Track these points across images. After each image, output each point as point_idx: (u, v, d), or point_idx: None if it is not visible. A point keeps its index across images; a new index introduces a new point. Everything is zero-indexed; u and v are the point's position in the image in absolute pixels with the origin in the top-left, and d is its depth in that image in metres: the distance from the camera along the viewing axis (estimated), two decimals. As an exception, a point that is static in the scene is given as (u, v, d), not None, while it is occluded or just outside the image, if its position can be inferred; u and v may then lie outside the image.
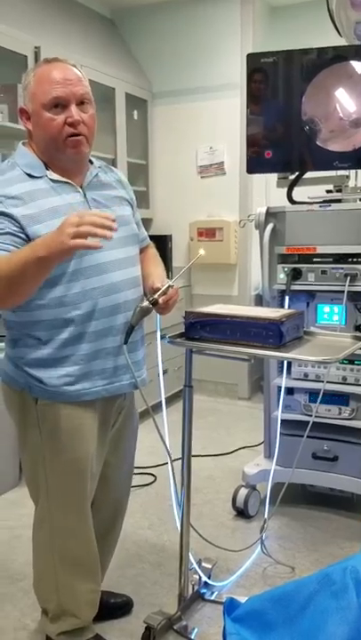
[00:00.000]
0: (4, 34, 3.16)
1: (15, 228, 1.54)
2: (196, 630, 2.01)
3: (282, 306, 2.61)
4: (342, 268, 2.54)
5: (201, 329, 1.81)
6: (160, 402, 1.96)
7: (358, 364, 2.56)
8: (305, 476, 2.69)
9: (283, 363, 2.65)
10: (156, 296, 1.68)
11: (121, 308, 1.68)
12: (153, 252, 1.99)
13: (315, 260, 2.62)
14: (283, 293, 2.64)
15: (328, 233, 2.55)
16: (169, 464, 1.87)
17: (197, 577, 2.16)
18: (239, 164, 4.26)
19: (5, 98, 3.30)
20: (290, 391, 2.70)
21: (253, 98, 2.63)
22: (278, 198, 2.84)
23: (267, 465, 2.74)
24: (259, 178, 4.18)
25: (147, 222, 4.39)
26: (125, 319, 1.69)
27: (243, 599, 1.73)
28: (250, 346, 1.74)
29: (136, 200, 1.91)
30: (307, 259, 2.63)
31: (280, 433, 2.64)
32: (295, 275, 2.61)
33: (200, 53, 4.45)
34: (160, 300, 1.69)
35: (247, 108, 2.65)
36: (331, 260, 2.59)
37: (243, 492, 2.76)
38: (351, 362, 2.56)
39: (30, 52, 3.30)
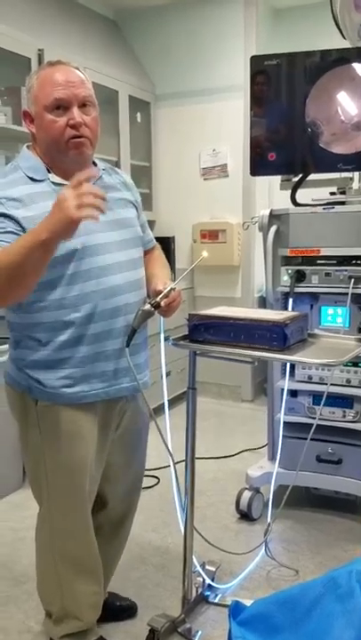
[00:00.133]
0: (7, 36, 3.17)
1: (16, 228, 1.54)
2: (200, 633, 2.00)
3: (285, 308, 2.61)
4: (346, 270, 2.54)
5: (205, 331, 1.80)
6: (163, 404, 1.96)
7: (362, 367, 2.56)
8: (309, 478, 2.68)
9: (286, 365, 2.65)
10: (158, 299, 1.67)
11: (121, 311, 1.67)
12: (158, 253, 1.98)
13: (318, 262, 2.62)
14: (286, 295, 2.64)
15: (332, 235, 2.54)
16: (171, 466, 1.87)
17: (201, 579, 2.15)
18: (243, 166, 4.26)
19: (9, 100, 3.31)
20: (293, 393, 2.69)
21: (257, 100, 2.63)
22: (281, 200, 2.85)
23: (270, 467, 2.73)
24: (262, 180, 4.20)
25: (150, 224, 4.34)
26: (126, 322, 1.67)
27: (247, 602, 1.72)
28: (254, 348, 1.74)
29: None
30: (310, 261, 2.62)
31: (284, 435, 2.63)
32: (299, 277, 2.61)
33: (203, 55, 4.46)
34: (162, 303, 1.67)
35: (251, 110, 2.66)
36: (335, 262, 2.59)
37: (246, 494, 2.76)
38: (355, 364, 2.55)
39: (34, 55, 3.31)
